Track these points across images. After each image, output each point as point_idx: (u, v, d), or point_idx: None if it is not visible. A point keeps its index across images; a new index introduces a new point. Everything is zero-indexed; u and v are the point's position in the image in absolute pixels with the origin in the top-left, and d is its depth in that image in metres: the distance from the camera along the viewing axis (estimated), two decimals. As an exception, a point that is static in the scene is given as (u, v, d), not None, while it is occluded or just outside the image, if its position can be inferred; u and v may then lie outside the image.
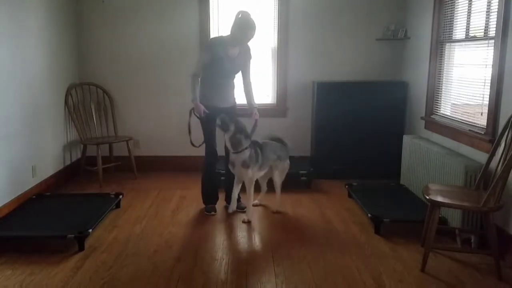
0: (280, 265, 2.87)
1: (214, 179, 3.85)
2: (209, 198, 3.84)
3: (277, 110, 5.07)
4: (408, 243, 3.17)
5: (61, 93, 4.62)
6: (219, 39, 3.53)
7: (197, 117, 3.55)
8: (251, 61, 3.68)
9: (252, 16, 3.41)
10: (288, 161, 3.85)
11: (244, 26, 3.35)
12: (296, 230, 3.47)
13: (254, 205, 3.82)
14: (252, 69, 3.73)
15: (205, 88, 3.55)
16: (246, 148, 3.44)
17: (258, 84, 5.05)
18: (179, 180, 4.70)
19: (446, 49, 3.97)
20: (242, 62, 3.59)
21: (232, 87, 3.69)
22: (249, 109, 3.73)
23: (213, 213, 3.75)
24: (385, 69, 4.95)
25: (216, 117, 3.46)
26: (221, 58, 3.44)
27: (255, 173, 3.55)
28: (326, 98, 4.71)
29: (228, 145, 3.48)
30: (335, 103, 4.71)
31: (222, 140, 3.64)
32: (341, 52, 4.93)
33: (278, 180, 3.80)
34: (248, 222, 3.56)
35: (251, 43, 3.60)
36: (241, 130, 3.43)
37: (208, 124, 3.56)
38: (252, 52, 3.65)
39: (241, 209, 3.77)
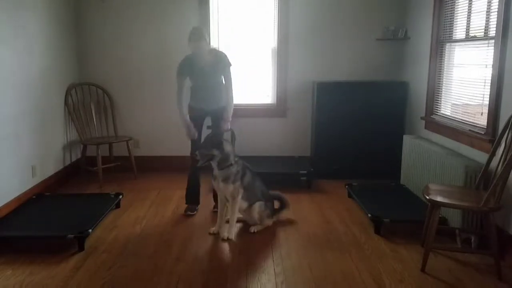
0: (280, 265, 2.87)
1: (196, 181, 3.84)
2: (190, 198, 3.85)
3: (277, 110, 5.07)
4: (408, 243, 3.17)
5: (61, 93, 4.62)
6: (184, 60, 3.62)
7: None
8: (231, 68, 3.65)
9: (196, 29, 3.47)
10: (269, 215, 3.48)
11: (188, 40, 3.44)
12: (296, 230, 3.47)
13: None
14: (233, 77, 3.67)
15: (191, 91, 3.72)
16: (231, 165, 3.26)
17: (258, 84, 5.10)
18: (179, 180, 4.68)
19: (446, 49, 3.97)
20: (220, 68, 3.61)
21: (218, 89, 3.67)
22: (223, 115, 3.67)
23: (189, 212, 3.75)
24: (385, 69, 4.95)
25: (201, 120, 3.67)
26: (191, 73, 3.61)
27: (239, 190, 3.32)
28: (326, 98, 4.71)
29: (215, 165, 3.27)
30: (335, 103, 4.71)
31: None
32: (341, 52, 4.93)
33: (254, 214, 3.41)
34: (228, 240, 3.24)
35: (227, 52, 3.69)
36: (223, 148, 3.22)
37: (194, 124, 3.65)
38: (229, 59, 3.61)
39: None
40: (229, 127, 3.67)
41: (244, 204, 3.41)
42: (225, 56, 3.64)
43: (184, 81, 3.64)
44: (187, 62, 3.62)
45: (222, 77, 3.66)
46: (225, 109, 3.65)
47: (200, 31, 3.46)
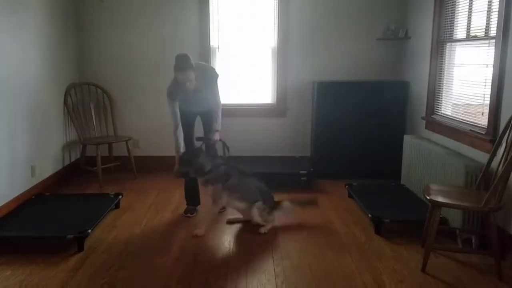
0: (280, 265, 2.86)
1: (193, 182, 3.82)
2: (189, 200, 3.85)
3: (277, 110, 5.07)
4: (408, 243, 3.17)
5: (61, 93, 4.61)
6: (173, 82, 3.53)
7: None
8: (218, 79, 3.61)
9: (180, 59, 3.34)
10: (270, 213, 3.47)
11: (174, 70, 3.37)
12: (296, 230, 3.46)
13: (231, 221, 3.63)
14: (220, 89, 3.64)
15: (181, 99, 3.62)
16: (209, 172, 3.39)
17: (258, 84, 5.09)
18: (178, 180, 4.68)
19: (447, 49, 3.97)
20: (209, 84, 3.57)
21: (207, 96, 3.61)
22: (210, 132, 3.65)
23: (189, 214, 3.74)
24: (386, 69, 4.94)
25: (192, 119, 3.69)
26: (181, 94, 3.53)
27: (220, 193, 3.39)
28: (326, 98, 4.71)
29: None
30: (335, 103, 4.70)
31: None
32: (342, 52, 4.92)
33: (256, 216, 3.43)
34: (197, 236, 3.30)
35: (214, 66, 3.78)
36: (193, 163, 3.40)
37: (186, 129, 3.65)
38: (214, 74, 3.58)
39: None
40: (219, 138, 3.64)
41: (241, 205, 3.44)
42: (212, 70, 3.63)
43: (175, 105, 3.56)
44: (175, 85, 3.51)
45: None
46: (214, 119, 3.60)
47: (185, 61, 3.33)
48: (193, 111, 3.70)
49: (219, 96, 3.64)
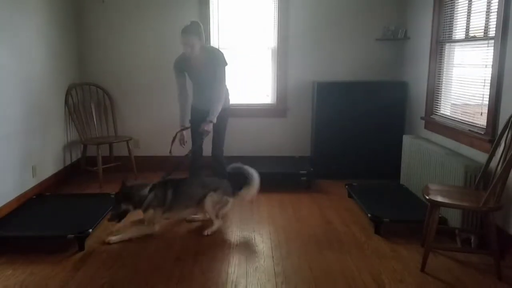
0: (280, 265, 2.87)
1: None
2: None
3: (277, 110, 5.08)
4: (408, 243, 3.18)
5: (61, 93, 4.62)
6: (179, 56, 3.67)
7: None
8: (226, 67, 3.60)
9: (192, 23, 3.49)
10: (227, 198, 3.48)
11: (180, 32, 3.46)
12: (296, 230, 3.47)
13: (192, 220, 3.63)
14: (226, 75, 3.61)
15: (193, 90, 3.81)
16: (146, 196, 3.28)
17: (258, 84, 5.10)
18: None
19: (446, 49, 3.98)
20: (211, 69, 3.57)
21: (210, 93, 3.61)
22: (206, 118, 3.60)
23: None
24: (385, 69, 4.95)
25: (199, 118, 3.66)
26: (186, 70, 3.68)
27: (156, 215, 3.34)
28: (326, 98, 4.72)
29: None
30: (335, 103, 4.71)
31: (208, 142, 3.81)
32: (341, 52, 4.93)
33: (208, 209, 3.43)
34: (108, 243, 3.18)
35: (224, 51, 3.74)
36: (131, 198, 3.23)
37: (193, 125, 3.77)
38: (221, 58, 3.57)
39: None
40: (211, 130, 3.58)
41: (190, 210, 3.50)
42: (220, 54, 3.61)
43: (180, 77, 3.71)
44: (181, 58, 3.64)
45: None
46: (211, 111, 3.54)
47: (193, 26, 3.43)
48: (204, 109, 3.63)
49: (221, 86, 3.59)
